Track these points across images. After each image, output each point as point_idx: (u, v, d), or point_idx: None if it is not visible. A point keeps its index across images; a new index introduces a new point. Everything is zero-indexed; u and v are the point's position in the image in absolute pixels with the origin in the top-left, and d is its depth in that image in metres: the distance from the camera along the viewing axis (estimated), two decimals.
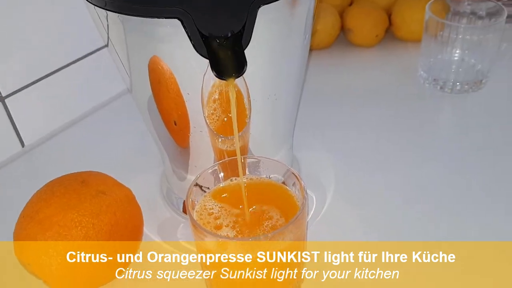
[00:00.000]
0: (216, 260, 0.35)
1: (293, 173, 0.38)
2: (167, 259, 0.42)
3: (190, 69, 0.35)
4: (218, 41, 0.32)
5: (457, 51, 0.60)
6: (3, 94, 0.53)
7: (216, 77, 0.32)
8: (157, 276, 0.41)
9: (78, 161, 0.54)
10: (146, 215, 0.46)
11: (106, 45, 0.39)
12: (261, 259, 0.34)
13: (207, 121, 0.39)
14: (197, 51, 0.33)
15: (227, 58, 0.32)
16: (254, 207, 0.37)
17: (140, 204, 0.44)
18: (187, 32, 0.32)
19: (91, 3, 0.34)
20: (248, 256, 0.33)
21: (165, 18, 0.32)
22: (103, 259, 0.37)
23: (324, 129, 0.56)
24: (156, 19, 0.32)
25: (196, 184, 0.38)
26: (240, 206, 0.37)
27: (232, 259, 0.34)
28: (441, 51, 0.60)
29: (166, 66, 0.36)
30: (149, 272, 0.41)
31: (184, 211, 0.47)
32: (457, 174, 0.49)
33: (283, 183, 0.39)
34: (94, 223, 0.37)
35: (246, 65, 0.32)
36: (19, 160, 0.56)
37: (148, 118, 0.43)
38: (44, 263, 0.36)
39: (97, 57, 0.60)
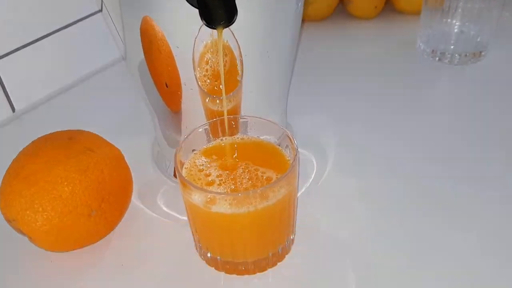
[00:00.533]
0: (206, 217, 0.35)
1: (286, 134, 0.37)
2: (156, 222, 0.42)
3: (181, 27, 0.34)
4: None
5: (457, 23, 0.58)
6: None
7: (206, 26, 0.31)
8: (144, 237, 0.41)
9: (69, 127, 0.53)
10: (136, 179, 0.45)
11: (100, 10, 0.38)
12: (251, 215, 0.33)
13: (198, 81, 0.38)
14: (187, 1, 0.32)
15: (217, 6, 0.31)
16: (245, 163, 0.37)
17: (131, 169, 0.44)
18: None
19: None
20: (240, 211, 0.33)
21: None
22: (90, 217, 0.37)
23: (319, 98, 0.55)
24: None
25: (185, 143, 0.37)
26: (231, 165, 0.37)
27: (222, 216, 0.34)
28: (441, 22, 0.58)
29: (157, 27, 0.35)
30: (136, 233, 0.41)
31: (175, 176, 0.46)
32: (455, 144, 0.48)
33: (276, 141, 0.38)
34: (81, 180, 0.36)
35: (237, 13, 0.31)
36: (9, 125, 0.55)
37: (139, 82, 0.42)
38: (29, 219, 0.35)
39: (90, 23, 0.59)
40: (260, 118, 0.38)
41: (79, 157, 0.37)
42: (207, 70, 0.38)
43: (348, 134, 0.49)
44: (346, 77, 0.58)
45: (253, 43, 0.36)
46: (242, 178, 0.35)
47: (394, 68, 0.59)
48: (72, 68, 0.60)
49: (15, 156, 0.38)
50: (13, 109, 0.56)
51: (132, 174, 0.41)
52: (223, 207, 0.33)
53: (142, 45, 0.37)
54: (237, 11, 0.31)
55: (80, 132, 0.40)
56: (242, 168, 0.36)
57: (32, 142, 0.39)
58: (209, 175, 0.36)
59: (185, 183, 0.34)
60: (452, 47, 0.58)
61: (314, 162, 0.47)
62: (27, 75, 0.56)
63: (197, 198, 0.34)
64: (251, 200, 0.33)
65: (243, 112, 0.41)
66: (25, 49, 0.54)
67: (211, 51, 0.36)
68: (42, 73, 0.57)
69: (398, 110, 0.52)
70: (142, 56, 0.38)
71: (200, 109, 0.41)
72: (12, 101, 0.56)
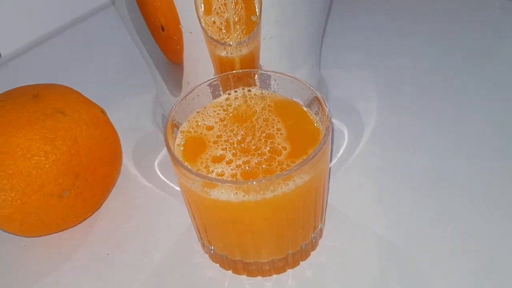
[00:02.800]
0: (205, 205, 0.26)
1: (315, 96, 0.27)
2: (152, 195, 0.34)
3: None
4: None
5: None
6: None
7: None
8: (137, 217, 0.33)
9: (58, 76, 0.45)
10: (134, 146, 0.37)
11: None
12: (266, 204, 0.24)
13: (201, 22, 0.29)
14: None
15: None
16: (263, 130, 0.28)
17: (128, 135, 0.35)
18: None
19: None
20: (251, 199, 0.24)
21: None
22: (61, 198, 0.29)
23: (363, 43, 0.44)
24: None
25: (183, 104, 0.28)
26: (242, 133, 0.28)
27: (226, 205, 0.25)
28: None
29: None
30: (128, 210, 0.33)
31: None
32: None
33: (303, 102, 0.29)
34: (47, 151, 0.28)
35: None
36: None
37: (132, 28, 0.32)
38: None
39: None
40: (282, 74, 0.29)
41: (45, 122, 0.28)
42: (211, 7, 0.28)
43: (395, 99, 0.39)
44: (394, 17, 0.47)
45: None
46: (258, 150, 0.26)
47: (459, 7, 0.47)
48: (61, 11, 0.50)
49: None
50: None
51: (122, 139, 0.33)
52: (227, 193, 0.24)
53: None
54: None
55: (50, 86, 0.31)
56: (258, 137, 0.27)
57: None
58: (213, 145, 0.27)
59: (176, 164, 0.25)
60: None
61: (346, 132, 0.37)
62: (12, 19, 0.47)
63: (192, 183, 0.25)
64: (267, 185, 0.24)
65: (262, 62, 0.32)
66: None
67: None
68: (28, 16, 0.48)
69: (459, 65, 0.41)
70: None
71: (205, 58, 0.31)
72: None
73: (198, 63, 0.32)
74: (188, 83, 0.33)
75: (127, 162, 0.36)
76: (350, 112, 0.38)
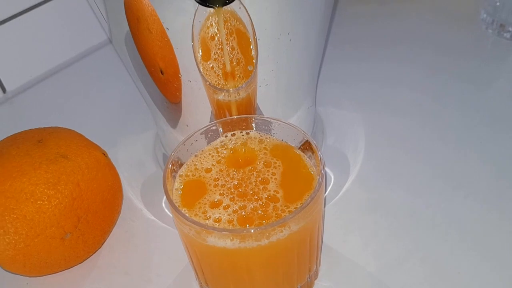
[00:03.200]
0: (202, 250, 0.27)
1: (308, 141, 0.29)
2: (155, 230, 0.35)
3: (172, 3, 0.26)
4: None
5: None
6: None
7: (198, 3, 0.22)
8: (141, 250, 0.33)
9: (60, 111, 0.46)
10: (135, 184, 0.38)
11: None
12: (262, 250, 0.25)
13: (200, 70, 0.30)
14: None
15: None
16: (257, 173, 0.28)
17: (128, 173, 0.37)
18: None
19: None
20: (247, 246, 0.25)
21: None
22: (63, 241, 0.29)
23: (357, 83, 0.45)
24: None
25: (181, 149, 0.29)
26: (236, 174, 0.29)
27: (223, 252, 0.26)
28: None
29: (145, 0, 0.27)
30: (131, 246, 0.34)
31: None
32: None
33: (298, 146, 0.30)
34: (50, 195, 0.29)
35: None
36: (0, 106, 0.48)
37: (131, 67, 0.34)
38: None
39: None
40: (277, 119, 0.30)
41: (49, 167, 0.29)
42: (210, 53, 0.29)
43: (381, 138, 0.40)
44: (388, 57, 0.48)
45: (268, 23, 0.27)
46: (255, 196, 0.27)
47: (451, 46, 0.48)
48: (64, 46, 0.52)
49: None
50: (4, 90, 0.49)
51: (122, 179, 0.34)
52: (223, 240, 0.25)
53: (129, 24, 0.29)
54: None
55: (54, 131, 0.32)
56: (254, 181, 0.28)
57: None
58: (211, 189, 0.28)
59: (174, 210, 0.26)
60: None
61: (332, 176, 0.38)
62: (15, 54, 0.48)
63: (189, 229, 0.26)
64: (262, 233, 0.25)
65: (260, 107, 0.33)
66: (7, 23, 0.47)
67: (212, 33, 0.27)
68: (31, 52, 0.50)
69: (451, 102, 0.42)
70: (130, 37, 0.30)
71: (204, 100, 0.32)
72: (3, 81, 0.49)
73: (197, 105, 0.33)
74: (187, 126, 0.34)
75: (126, 200, 0.37)
76: (340, 150, 0.39)
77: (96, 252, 0.33)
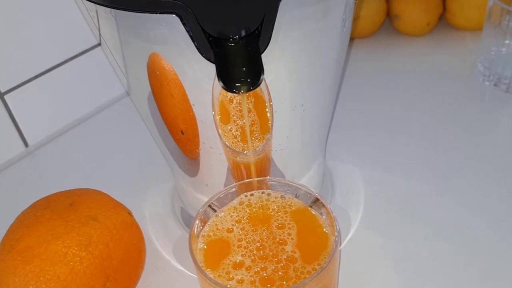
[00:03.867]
0: None
1: (321, 202, 0.31)
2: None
3: (195, 74, 0.28)
4: (227, 42, 0.25)
5: None
6: (2, 90, 0.48)
7: (224, 89, 0.25)
8: None
9: (83, 164, 0.49)
10: (156, 238, 0.40)
11: (99, 43, 0.32)
12: None
13: (219, 131, 0.32)
14: (202, 55, 0.26)
15: (238, 64, 0.25)
16: (275, 236, 0.31)
17: (148, 227, 0.39)
18: (188, 31, 0.25)
19: None
20: None
21: (161, 13, 0.25)
22: None
23: (363, 133, 0.48)
24: (152, 14, 0.25)
25: (202, 212, 0.31)
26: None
27: None
28: (506, 44, 0.50)
29: (169, 67, 0.29)
30: None
31: None
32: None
33: (311, 206, 0.32)
34: (82, 257, 0.31)
35: (263, 73, 0.25)
36: (23, 160, 0.51)
37: (152, 125, 0.36)
38: None
39: (100, 53, 0.54)
40: (291, 182, 0.32)
41: (80, 230, 0.32)
42: (228, 122, 0.31)
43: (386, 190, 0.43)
44: (390, 107, 0.51)
45: (284, 98, 0.30)
46: (275, 258, 0.29)
47: (448, 98, 0.51)
48: (84, 100, 0.55)
49: (13, 222, 0.34)
50: (26, 144, 0.52)
51: (145, 238, 0.36)
52: None
53: (151, 87, 0.32)
54: (263, 70, 0.25)
55: (83, 193, 0.34)
56: (273, 242, 0.30)
57: (31, 206, 0.34)
58: (234, 249, 0.30)
59: (199, 270, 0.28)
60: None
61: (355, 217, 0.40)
62: (37, 109, 0.51)
63: None
64: None
65: (273, 164, 0.35)
66: (33, 81, 0.50)
67: (230, 96, 0.30)
68: (53, 106, 0.52)
69: (449, 153, 0.45)
70: (152, 99, 0.33)
71: (222, 160, 0.35)
72: (25, 135, 0.51)
73: (215, 163, 0.35)
74: (207, 185, 0.36)
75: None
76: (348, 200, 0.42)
77: None
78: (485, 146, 0.45)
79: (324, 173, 0.42)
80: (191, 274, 0.37)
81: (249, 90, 0.24)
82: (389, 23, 0.60)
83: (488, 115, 0.49)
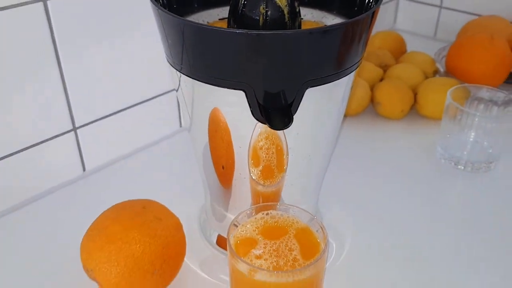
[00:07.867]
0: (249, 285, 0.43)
1: (317, 222, 0.45)
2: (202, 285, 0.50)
3: (242, 129, 0.44)
4: (272, 109, 0.40)
5: (472, 134, 0.67)
6: (76, 125, 0.63)
7: (270, 127, 0.40)
8: None
9: (129, 189, 0.63)
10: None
11: (176, 90, 0.47)
12: (289, 284, 0.41)
13: (250, 172, 0.47)
14: (254, 116, 0.41)
15: (279, 120, 0.40)
16: (283, 239, 0.45)
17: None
18: (248, 101, 0.41)
19: (169, 62, 0.44)
20: (282, 280, 0.41)
21: (232, 89, 0.40)
22: (153, 275, 0.45)
23: (347, 191, 0.63)
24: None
25: (236, 224, 0.46)
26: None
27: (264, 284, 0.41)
28: (458, 132, 0.67)
29: (224, 120, 0.45)
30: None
31: (218, 243, 0.55)
32: (464, 247, 0.55)
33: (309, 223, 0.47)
34: (151, 243, 0.45)
35: (292, 121, 0.40)
36: (79, 182, 0.65)
37: (201, 159, 0.51)
38: (105, 270, 0.44)
39: (165, 99, 0.70)
40: (297, 207, 0.47)
41: (150, 224, 0.46)
42: (258, 165, 0.47)
43: (364, 232, 0.57)
44: (369, 173, 0.66)
45: (300, 149, 0.46)
46: (284, 257, 0.43)
47: (414, 169, 0.67)
48: (138, 137, 0.70)
49: (97, 217, 0.47)
50: (84, 169, 0.66)
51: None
52: (264, 276, 0.41)
53: (208, 130, 0.47)
54: (292, 120, 0.40)
55: (150, 202, 0.49)
56: (283, 247, 0.44)
57: (112, 206, 0.48)
58: (254, 248, 0.44)
59: (233, 255, 0.42)
60: (466, 155, 0.66)
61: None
62: (100, 142, 0.66)
63: (242, 267, 0.42)
64: (288, 274, 0.41)
65: (283, 194, 0.50)
66: (101, 120, 0.65)
67: (264, 149, 0.45)
68: (113, 140, 0.67)
69: (413, 211, 0.60)
70: (206, 138, 0.47)
71: (247, 189, 0.49)
72: (84, 161, 0.66)
73: (243, 190, 0.50)
74: (236, 207, 0.51)
75: None
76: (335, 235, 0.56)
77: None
78: (438, 206, 0.61)
79: (316, 212, 0.57)
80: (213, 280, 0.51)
81: (283, 128, 0.40)
82: (372, 107, 0.78)
83: (442, 183, 0.65)
